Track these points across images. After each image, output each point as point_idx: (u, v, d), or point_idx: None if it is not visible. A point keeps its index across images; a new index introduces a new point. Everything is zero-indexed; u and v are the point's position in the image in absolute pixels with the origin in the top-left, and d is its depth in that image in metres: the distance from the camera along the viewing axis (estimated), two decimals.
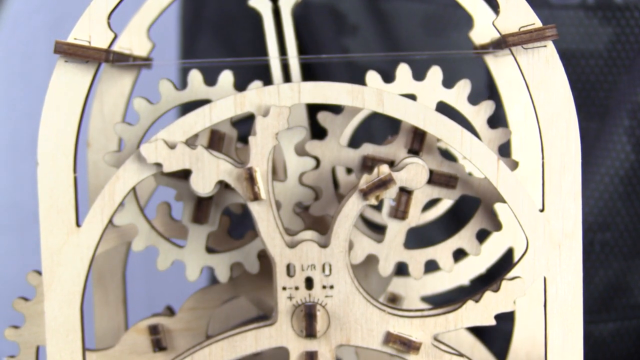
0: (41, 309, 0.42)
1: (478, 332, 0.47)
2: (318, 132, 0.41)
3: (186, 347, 0.41)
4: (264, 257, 0.41)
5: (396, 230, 0.39)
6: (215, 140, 0.41)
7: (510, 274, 0.36)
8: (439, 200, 0.50)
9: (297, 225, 0.40)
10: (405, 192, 0.38)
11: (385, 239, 0.39)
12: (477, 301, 0.35)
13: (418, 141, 0.38)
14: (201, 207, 0.40)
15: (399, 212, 0.38)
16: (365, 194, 0.35)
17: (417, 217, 0.39)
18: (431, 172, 0.38)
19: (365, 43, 0.64)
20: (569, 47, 0.60)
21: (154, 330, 0.42)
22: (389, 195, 0.35)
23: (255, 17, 0.51)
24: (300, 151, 0.40)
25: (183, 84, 0.42)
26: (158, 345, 0.42)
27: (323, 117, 0.39)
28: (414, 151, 0.39)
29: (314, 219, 0.41)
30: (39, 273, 0.42)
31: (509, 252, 0.48)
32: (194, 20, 0.71)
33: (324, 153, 0.39)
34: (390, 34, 0.63)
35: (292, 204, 0.40)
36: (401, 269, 0.43)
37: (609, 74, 0.61)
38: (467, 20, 0.44)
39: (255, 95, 0.35)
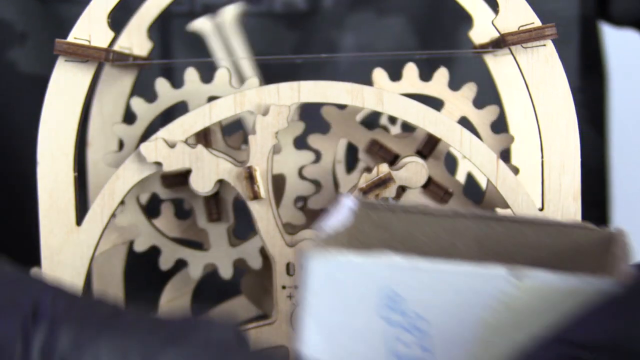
0: None
1: None
2: None
3: None
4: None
5: None
6: (201, 136, 0.40)
7: None
8: None
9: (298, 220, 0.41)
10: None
11: None
12: None
13: (428, 147, 0.39)
14: (211, 206, 0.41)
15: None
16: (364, 192, 0.35)
17: None
18: (430, 179, 0.38)
19: (35, 51, 0.60)
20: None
21: None
22: (389, 194, 0.35)
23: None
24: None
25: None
26: None
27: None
28: (422, 154, 0.39)
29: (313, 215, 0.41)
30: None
31: None
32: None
33: (325, 146, 0.40)
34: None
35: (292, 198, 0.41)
36: None
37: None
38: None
39: (255, 94, 0.35)
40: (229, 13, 0.51)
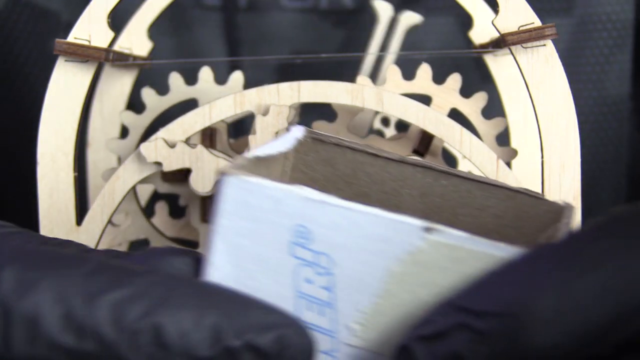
0: None
1: None
2: None
3: None
4: None
5: None
6: (207, 136, 0.41)
7: None
8: None
9: None
10: None
11: None
12: None
13: (424, 144, 0.39)
14: (207, 206, 0.41)
15: None
16: None
17: None
18: None
19: None
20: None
21: None
22: None
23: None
24: None
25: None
26: None
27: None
28: (418, 153, 0.39)
29: None
30: None
31: None
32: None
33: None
34: None
35: None
36: None
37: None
38: None
39: (255, 94, 0.35)
40: (409, 18, 0.51)
